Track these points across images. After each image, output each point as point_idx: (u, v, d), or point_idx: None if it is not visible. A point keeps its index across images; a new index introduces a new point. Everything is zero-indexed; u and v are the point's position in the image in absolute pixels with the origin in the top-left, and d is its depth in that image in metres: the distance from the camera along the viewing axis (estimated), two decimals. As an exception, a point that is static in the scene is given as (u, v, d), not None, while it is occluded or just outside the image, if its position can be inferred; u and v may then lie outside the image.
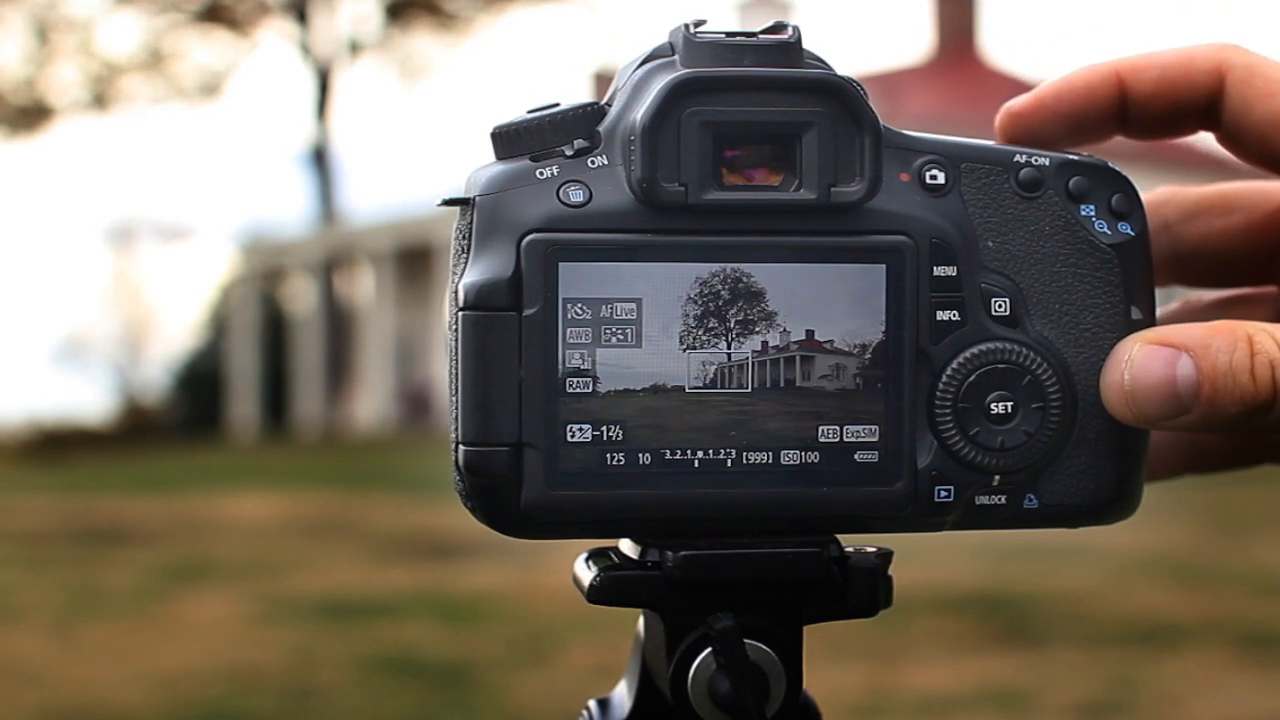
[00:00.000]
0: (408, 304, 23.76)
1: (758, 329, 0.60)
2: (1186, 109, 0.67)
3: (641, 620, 0.66)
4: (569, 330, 0.59)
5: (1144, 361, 0.61)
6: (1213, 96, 0.66)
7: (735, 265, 0.60)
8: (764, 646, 0.62)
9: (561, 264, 0.59)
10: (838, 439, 0.61)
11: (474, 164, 0.62)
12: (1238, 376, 0.60)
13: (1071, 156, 0.64)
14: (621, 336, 0.60)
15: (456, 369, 0.60)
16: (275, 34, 27.57)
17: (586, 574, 0.62)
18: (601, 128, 0.61)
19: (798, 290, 0.60)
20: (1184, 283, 0.74)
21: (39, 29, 26.27)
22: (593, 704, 0.69)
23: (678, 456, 0.60)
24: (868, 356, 0.61)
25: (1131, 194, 0.64)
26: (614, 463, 0.60)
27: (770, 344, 0.60)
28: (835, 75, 0.60)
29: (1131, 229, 0.64)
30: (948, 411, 0.62)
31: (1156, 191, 0.72)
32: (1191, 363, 0.60)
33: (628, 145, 0.60)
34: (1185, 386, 0.61)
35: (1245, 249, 0.71)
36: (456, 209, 0.61)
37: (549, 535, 0.61)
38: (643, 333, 0.60)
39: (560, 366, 0.59)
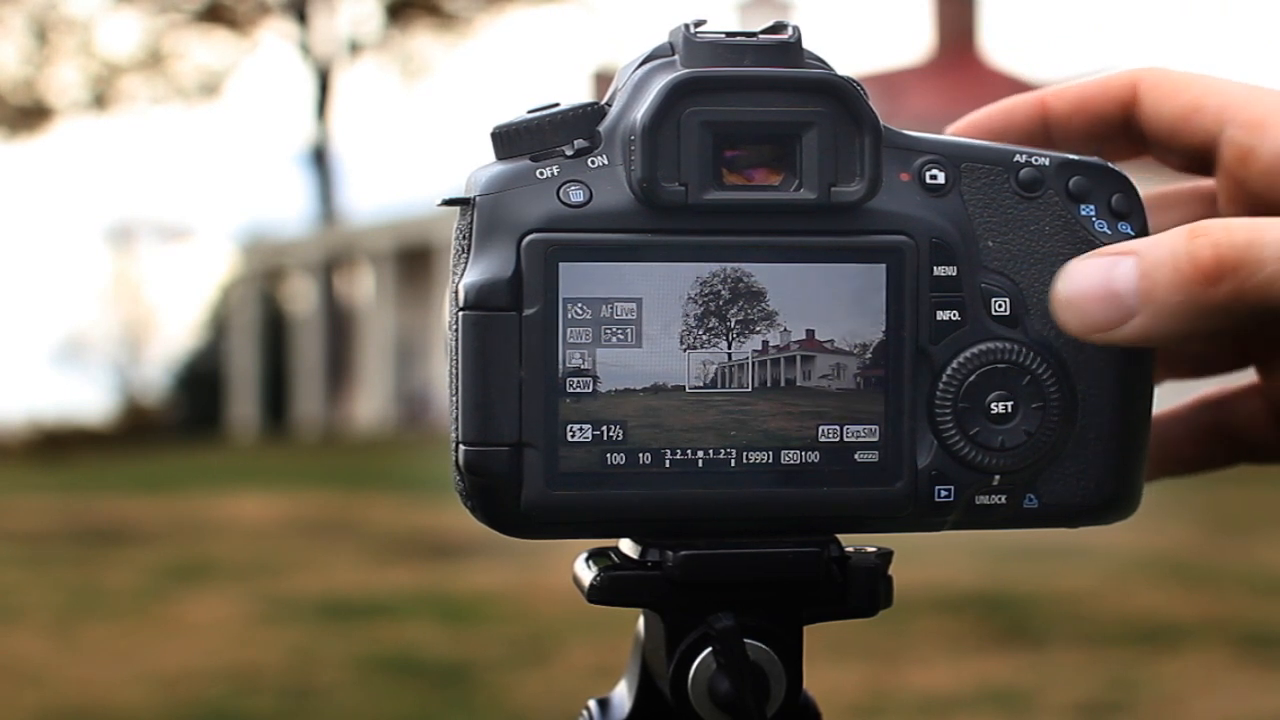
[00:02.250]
0: (408, 304, 23.75)
1: (758, 329, 0.60)
2: (1106, 123, 0.68)
3: (641, 620, 0.66)
4: (569, 330, 0.59)
5: (1080, 266, 0.61)
6: (1128, 107, 0.67)
7: (735, 265, 0.60)
8: (764, 646, 0.62)
9: (561, 264, 0.59)
10: (838, 439, 0.61)
11: (474, 164, 0.62)
12: (1177, 262, 0.58)
13: (1071, 156, 0.64)
14: (621, 336, 0.60)
15: (456, 369, 0.60)
16: (275, 34, 27.58)
17: (586, 574, 0.62)
18: (601, 128, 0.61)
19: (798, 290, 0.60)
20: None
21: (39, 29, 26.26)
22: (593, 704, 0.69)
23: (678, 456, 0.60)
24: (868, 356, 0.61)
25: (1131, 194, 0.64)
26: (614, 463, 0.60)
27: (770, 344, 0.60)
28: (835, 75, 0.60)
29: (1131, 229, 0.64)
30: (948, 411, 0.62)
31: None
32: (1132, 261, 0.60)
33: (628, 145, 0.60)
34: (1124, 284, 0.59)
35: None
36: (456, 209, 0.61)
37: (549, 535, 0.61)
38: (643, 332, 0.60)
39: (560, 366, 0.59)
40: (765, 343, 0.60)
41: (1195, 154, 0.66)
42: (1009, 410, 0.62)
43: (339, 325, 25.67)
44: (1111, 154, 0.69)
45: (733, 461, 0.60)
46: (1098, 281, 0.60)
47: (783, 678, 0.62)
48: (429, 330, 23.41)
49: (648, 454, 0.60)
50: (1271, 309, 0.57)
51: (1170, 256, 0.58)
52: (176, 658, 5.46)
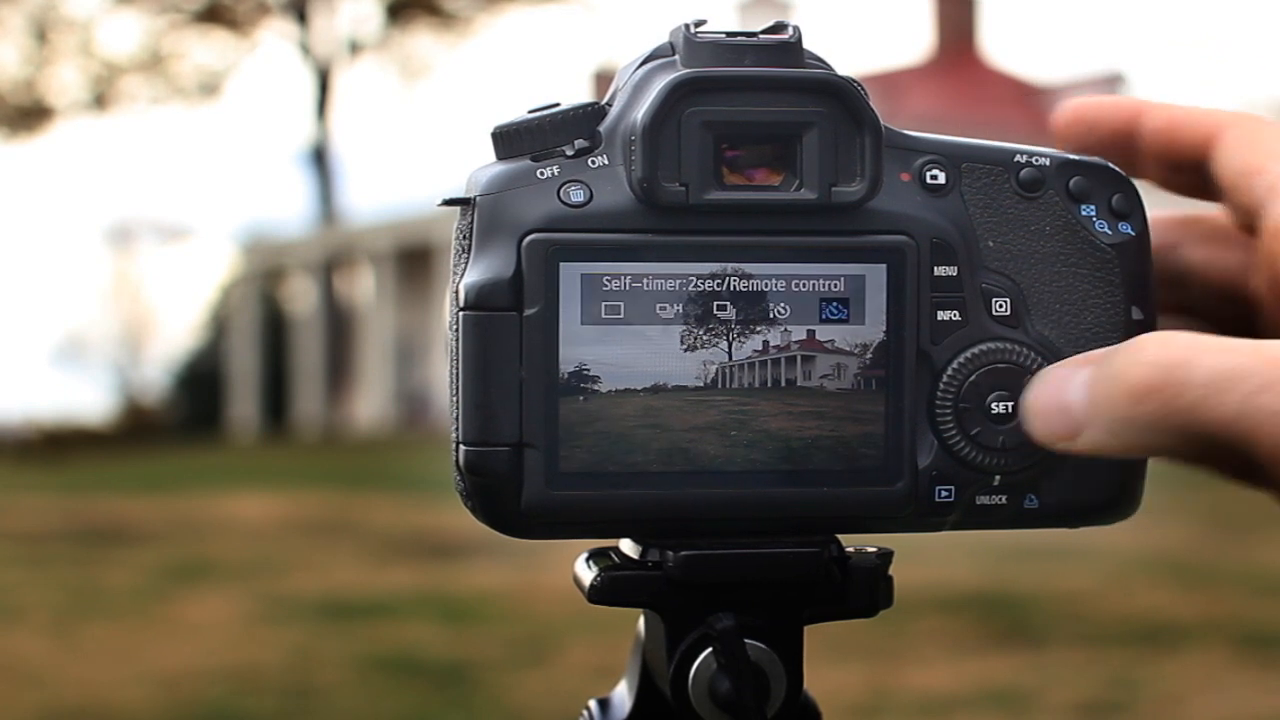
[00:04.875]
0: (408, 304, 23.76)
1: (758, 329, 0.60)
2: (1180, 154, 0.65)
3: (642, 620, 0.66)
4: (569, 330, 0.59)
5: (1043, 377, 0.60)
6: (1207, 148, 0.64)
7: (736, 265, 0.60)
8: (764, 646, 0.62)
9: (562, 264, 0.59)
10: (838, 439, 0.61)
11: (474, 164, 0.62)
12: (1113, 377, 0.57)
13: (1072, 156, 0.64)
14: (622, 337, 0.60)
15: (457, 369, 0.60)
16: (275, 34, 27.58)
17: (587, 574, 0.62)
18: (602, 127, 0.61)
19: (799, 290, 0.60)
20: (1170, 301, 0.71)
21: (39, 29, 26.27)
22: (593, 704, 0.69)
23: (678, 457, 0.60)
24: (868, 356, 0.61)
25: (1132, 194, 0.64)
26: (614, 463, 0.60)
27: (771, 344, 0.60)
28: (836, 75, 0.60)
29: (1132, 229, 0.64)
30: (948, 411, 0.62)
31: (1180, 213, 0.70)
32: (1086, 374, 0.58)
33: (628, 145, 0.60)
34: (1075, 398, 0.58)
35: (1231, 287, 0.68)
36: (457, 209, 0.61)
37: (549, 535, 0.61)
38: (643, 333, 0.60)
39: (561, 367, 0.59)
40: (766, 343, 0.60)
41: (1247, 216, 0.63)
42: (1010, 410, 0.62)
43: (339, 325, 25.67)
44: (1188, 190, 0.66)
45: (733, 462, 0.60)
46: (1053, 393, 0.59)
47: (783, 678, 0.62)
48: (429, 330, 23.42)
49: (648, 454, 0.60)
50: (1202, 433, 0.55)
51: (1110, 371, 0.57)
52: (176, 658, 5.46)
